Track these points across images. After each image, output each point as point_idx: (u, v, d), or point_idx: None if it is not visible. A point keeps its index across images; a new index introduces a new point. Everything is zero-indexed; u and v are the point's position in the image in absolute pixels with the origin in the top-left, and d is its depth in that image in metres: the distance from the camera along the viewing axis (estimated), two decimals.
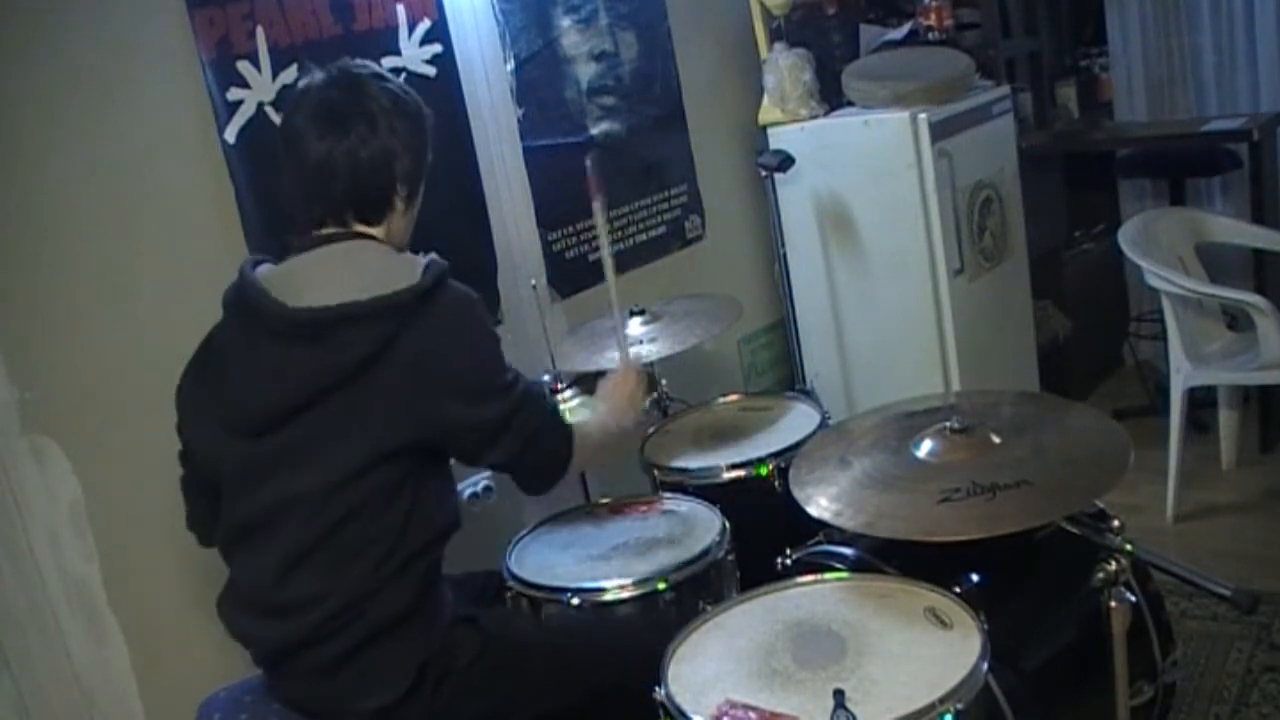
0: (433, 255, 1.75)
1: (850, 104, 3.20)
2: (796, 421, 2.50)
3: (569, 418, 1.93)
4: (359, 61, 1.84)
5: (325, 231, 1.77)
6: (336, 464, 1.64)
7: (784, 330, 3.37)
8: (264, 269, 1.77)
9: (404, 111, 1.78)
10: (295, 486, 1.66)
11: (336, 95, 1.75)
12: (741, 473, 2.30)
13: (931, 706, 1.42)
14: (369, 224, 1.78)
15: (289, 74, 2.29)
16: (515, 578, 2.00)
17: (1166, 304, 3.11)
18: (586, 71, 2.99)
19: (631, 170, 3.12)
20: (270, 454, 1.68)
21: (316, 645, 1.67)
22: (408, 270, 1.69)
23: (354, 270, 1.70)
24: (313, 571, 1.66)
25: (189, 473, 1.88)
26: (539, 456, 1.82)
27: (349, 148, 1.72)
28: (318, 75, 1.78)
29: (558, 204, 2.91)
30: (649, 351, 2.44)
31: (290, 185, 1.79)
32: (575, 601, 1.91)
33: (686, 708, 1.51)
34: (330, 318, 1.63)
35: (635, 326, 2.55)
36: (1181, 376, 3.13)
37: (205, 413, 1.76)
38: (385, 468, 1.66)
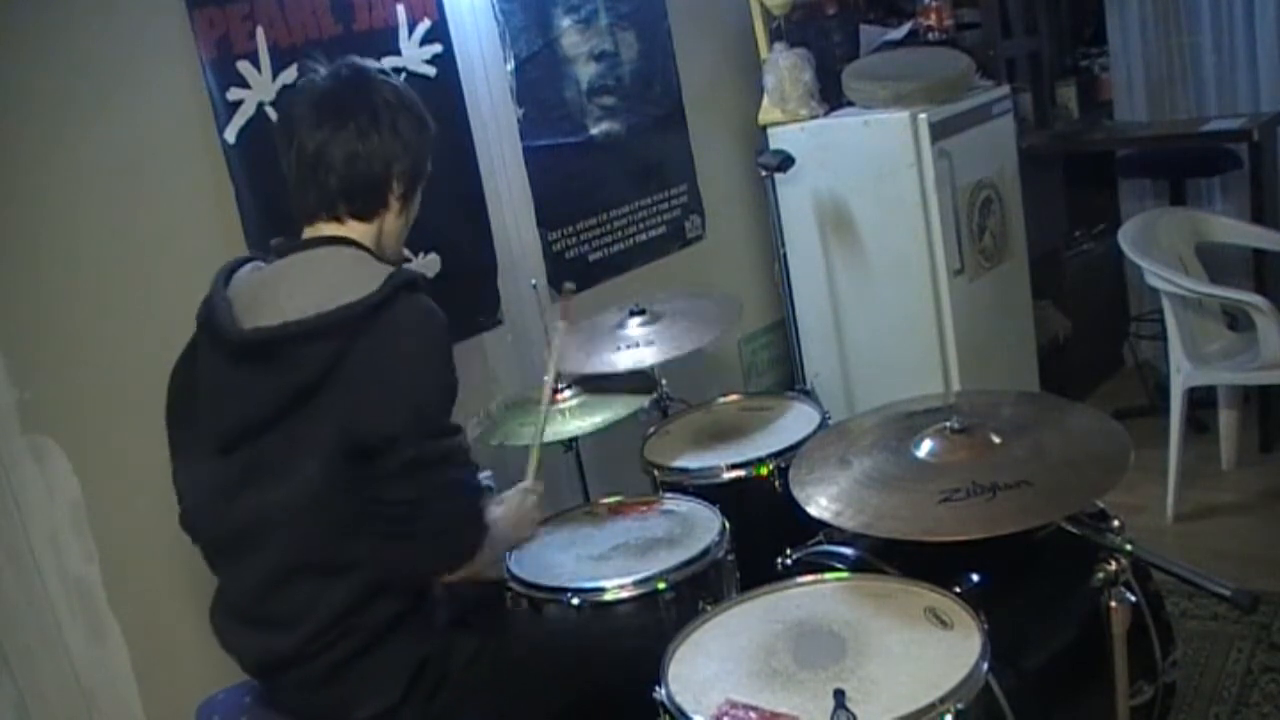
0: (404, 266, 1.70)
1: (850, 104, 3.20)
2: (796, 421, 2.50)
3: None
4: (366, 60, 1.81)
5: (308, 234, 1.75)
6: (304, 480, 1.60)
7: (784, 330, 3.36)
8: (243, 275, 1.74)
9: (408, 110, 1.76)
10: (267, 503, 1.62)
11: (340, 87, 1.73)
12: (741, 473, 2.30)
13: (931, 706, 1.42)
14: (361, 220, 1.75)
15: (289, 74, 2.29)
16: (515, 578, 2.00)
17: (1166, 304, 3.10)
18: (586, 71, 2.99)
19: (631, 170, 3.12)
20: (237, 470, 1.64)
21: (307, 660, 1.65)
22: (367, 281, 1.61)
23: (314, 282, 1.65)
24: (301, 585, 1.64)
25: None
26: (445, 520, 1.65)
27: (346, 137, 1.69)
28: (322, 69, 1.76)
29: (558, 204, 2.91)
30: (648, 354, 2.44)
31: (286, 174, 1.76)
32: (575, 601, 1.91)
33: (687, 708, 1.51)
34: (276, 338, 1.59)
35: (635, 327, 2.55)
36: (1181, 376, 3.12)
37: (183, 427, 1.74)
38: (359, 482, 1.61)
